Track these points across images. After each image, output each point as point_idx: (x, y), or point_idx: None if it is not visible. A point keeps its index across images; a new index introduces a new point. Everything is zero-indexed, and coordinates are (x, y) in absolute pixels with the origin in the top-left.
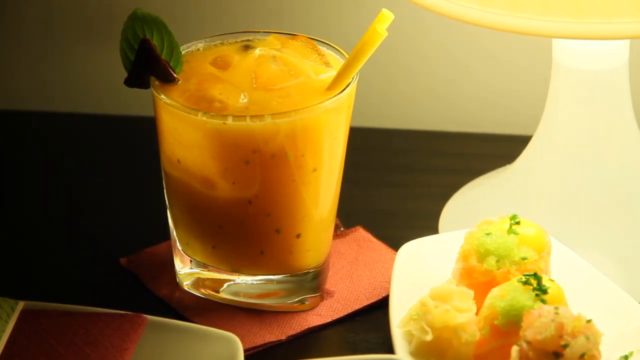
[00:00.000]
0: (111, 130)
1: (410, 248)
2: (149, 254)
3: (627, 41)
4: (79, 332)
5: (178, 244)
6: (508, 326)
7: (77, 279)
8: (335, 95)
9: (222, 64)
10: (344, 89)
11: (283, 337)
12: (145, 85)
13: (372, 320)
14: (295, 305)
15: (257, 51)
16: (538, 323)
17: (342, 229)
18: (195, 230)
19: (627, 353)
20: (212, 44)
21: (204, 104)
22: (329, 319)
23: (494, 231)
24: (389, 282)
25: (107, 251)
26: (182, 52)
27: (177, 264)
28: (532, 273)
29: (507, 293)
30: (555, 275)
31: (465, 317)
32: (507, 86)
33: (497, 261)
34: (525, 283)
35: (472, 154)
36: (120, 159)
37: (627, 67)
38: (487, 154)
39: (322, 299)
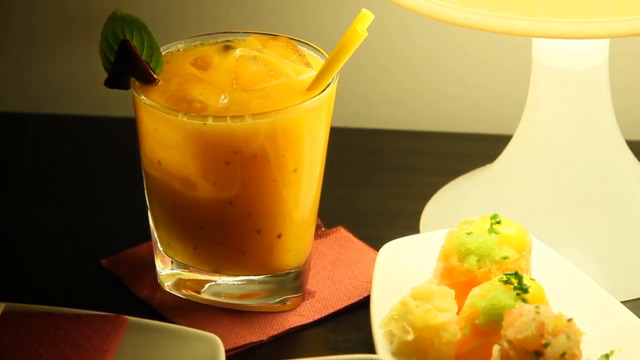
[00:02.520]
0: (92, 131)
1: (392, 248)
2: (129, 255)
3: (607, 40)
4: (60, 333)
5: (159, 245)
6: (489, 325)
7: (58, 280)
8: (316, 96)
9: (202, 65)
10: (325, 89)
11: (264, 338)
12: (125, 86)
13: (354, 320)
14: (277, 305)
15: (237, 52)
16: (519, 322)
17: (323, 229)
18: (176, 231)
19: (608, 352)
20: (193, 44)
21: (184, 104)
22: (310, 319)
23: (474, 231)
24: (370, 282)
25: (87, 252)
26: (162, 53)
27: (158, 264)
28: (513, 272)
29: (488, 292)
30: (536, 275)
31: (447, 316)
32: (487, 86)
33: (478, 260)
34: (506, 282)
35: (452, 154)
36: (101, 160)
37: (606, 66)
38: (467, 154)
39: (303, 299)
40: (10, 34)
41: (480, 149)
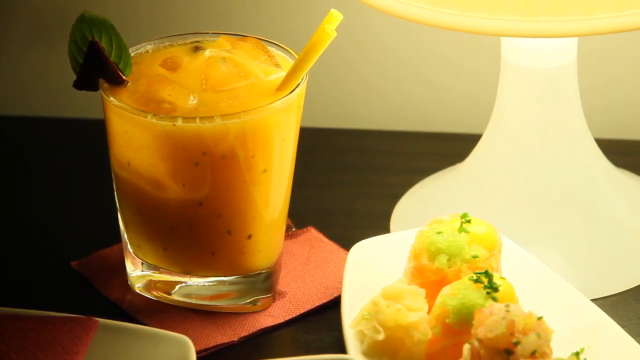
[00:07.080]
0: (61, 132)
1: (362, 248)
2: (100, 257)
3: (575, 39)
4: (30, 336)
5: (129, 247)
6: (459, 324)
7: (27, 282)
8: (285, 96)
9: (171, 66)
10: (294, 89)
11: (235, 338)
12: (94, 87)
13: (324, 320)
14: (248, 306)
15: (206, 52)
16: (489, 321)
17: (293, 229)
18: (146, 232)
19: (578, 350)
20: (162, 45)
21: (153, 105)
22: (281, 320)
23: (444, 230)
24: (340, 282)
25: (57, 254)
26: (131, 54)
27: (129, 266)
28: (483, 271)
29: (459, 291)
30: (506, 273)
31: (417, 316)
32: (456, 85)
33: (448, 260)
34: (477, 281)
35: (422, 153)
36: (71, 162)
37: (575, 65)
38: (437, 153)
39: (274, 299)
40: None
41: (449, 148)
